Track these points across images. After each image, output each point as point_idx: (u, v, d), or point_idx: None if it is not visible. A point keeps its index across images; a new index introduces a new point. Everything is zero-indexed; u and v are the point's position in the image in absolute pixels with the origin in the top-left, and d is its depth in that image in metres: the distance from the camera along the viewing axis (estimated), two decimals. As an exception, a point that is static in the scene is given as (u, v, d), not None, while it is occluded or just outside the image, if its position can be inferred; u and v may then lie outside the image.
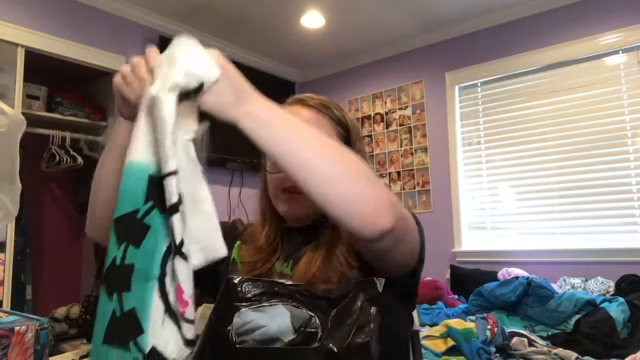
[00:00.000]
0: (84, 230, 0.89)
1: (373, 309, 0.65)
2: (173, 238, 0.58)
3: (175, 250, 0.58)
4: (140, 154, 0.62)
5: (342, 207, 0.64)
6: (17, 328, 0.73)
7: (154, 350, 0.58)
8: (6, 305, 2.29)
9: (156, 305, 0.60)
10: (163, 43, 3.14)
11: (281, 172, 0.92)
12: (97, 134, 3.34)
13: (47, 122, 3.06)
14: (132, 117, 0.73)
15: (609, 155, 2.98)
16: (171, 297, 0.59)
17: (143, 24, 3.15)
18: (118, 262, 0.60)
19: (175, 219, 0.58)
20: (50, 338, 0.77)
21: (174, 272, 0.59)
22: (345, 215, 0.64)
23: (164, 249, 0.61)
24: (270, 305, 0.61)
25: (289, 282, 0.68)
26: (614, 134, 2.97)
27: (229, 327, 0.59)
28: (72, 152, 3.14)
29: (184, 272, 0.58)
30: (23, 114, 1.17)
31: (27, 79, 2.61)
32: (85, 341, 3.03)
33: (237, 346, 0.58)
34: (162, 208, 0.60)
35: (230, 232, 1.03)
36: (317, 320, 0.62)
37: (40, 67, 2.86)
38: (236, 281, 0.62)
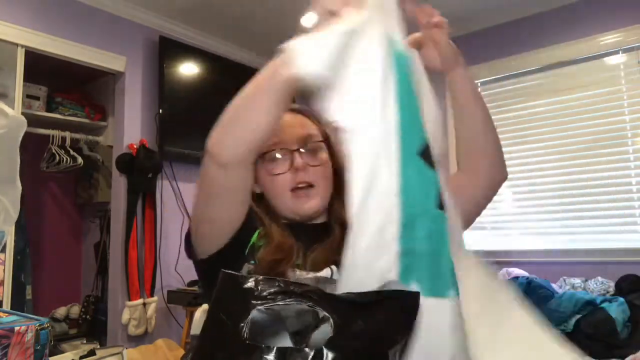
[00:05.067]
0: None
1: (405, 320, 0.61)
2: None
3: None
4: None
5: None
6: (17, 328, 0.73)
7: None
8: (6, 305, 2.29)
9: None
10: (163, 43, 3.14)
11: (288, 171, 0.91)
12: (97, 134, 3.34)
13: (47, 122, 3.06)
14: None
15: (609, 155, 2.98)
16: None
17: (143, 24, 3.15)
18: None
19: None
20: (50, 338, 0.77)
21: None
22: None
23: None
24: (285, 304, 0.60)
25: (305, 282, 0.65)
26: (614, 133, 2.97)
27: (242, 324, 0.58)
28: (72, 152, 3.14)
29: None
30: (23, 114, 1.18)
31: (27, 79, 2.61)
32: (85, 341, 3.03)
33: (247, 342, 0.58)
34: None
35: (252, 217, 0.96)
36: (332, 322, 0.59)
37: (40, 67, 2.85)
38: (251, 281, 0.61)
